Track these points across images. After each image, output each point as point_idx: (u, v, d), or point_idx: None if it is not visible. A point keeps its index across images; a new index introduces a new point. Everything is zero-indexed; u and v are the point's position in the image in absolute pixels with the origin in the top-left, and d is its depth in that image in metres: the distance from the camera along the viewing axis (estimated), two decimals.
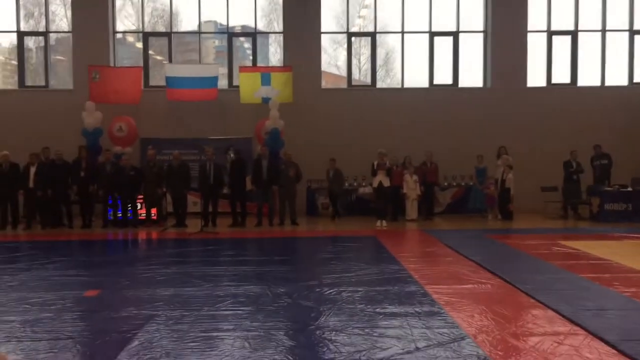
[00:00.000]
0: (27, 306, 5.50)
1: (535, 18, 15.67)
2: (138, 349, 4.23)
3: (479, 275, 6.81)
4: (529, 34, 15.62)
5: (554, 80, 15.90)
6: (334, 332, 4.58)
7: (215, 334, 4.58)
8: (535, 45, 15.76)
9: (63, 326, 4.82)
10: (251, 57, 16.03)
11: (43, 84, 15.56)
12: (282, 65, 15.37)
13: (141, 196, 12.55)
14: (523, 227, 11.88)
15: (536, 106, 15.35)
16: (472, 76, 15.91)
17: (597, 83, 15.82)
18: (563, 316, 4.94)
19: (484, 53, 15.83)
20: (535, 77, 15.81)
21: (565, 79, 15.88)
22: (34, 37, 15.89)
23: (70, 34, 15.44)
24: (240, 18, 16.05)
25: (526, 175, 13.92)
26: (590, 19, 15.79)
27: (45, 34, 15.58)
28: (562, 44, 15.88)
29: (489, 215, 13.40)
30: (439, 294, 5.86)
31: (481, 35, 15.84)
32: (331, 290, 6.06)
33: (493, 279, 6.60)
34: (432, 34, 15.75)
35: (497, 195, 13.17)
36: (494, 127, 15.04)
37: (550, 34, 15.81)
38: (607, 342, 4.20)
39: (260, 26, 16.09)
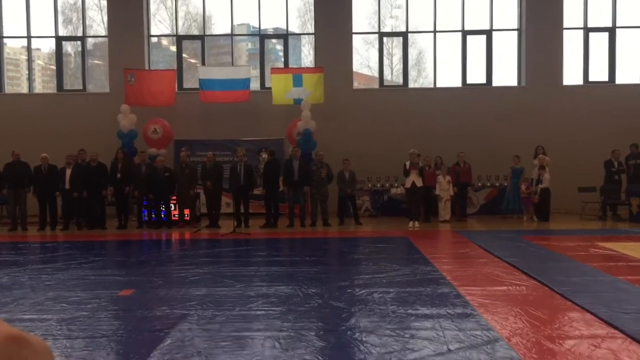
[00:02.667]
0: (64, 305, 5.61)
1: (571, 15, 15.35)
2: (170, 347, 4.27)
3: (514, 277, 6.69)
4: (564, 31, 15.31)
5: (591, 78, 15.55)
6: (364, 333, 4.55)
7: (246, 333, 4.60)
8: (572, 42, 15.45)
9: (98, 325, 4.90)
10: (283, 59, 16.11)
11: (80, 87, 15.91)
12: (314, 66, 15.39)
13: (175, 197, 12.71)
14: (560, 228, 11.65)
15: (573, 105, 15.04)
16: (506, 75, 15.68)
17: (636, 80, 15.41)
18: (601, 319, 4.81)
19: (518, 51, 15.59)
20: (572, 75, 15.49)
21: (603, 76, 15.51)
22: (71, 42, 16.27)
23: (106, 39, 15.76)
24: (272, 20, 16.16)
25: (563, 175, 13.64)
26: (628, 14, 15.39)
27: (82, 38, 15.94)
28: (599, 41, 15.52)
29: (524, 217, 13.17)
30: (472, 295, 5.77)
31: (515, 33, 15.60)
32: (362, 291, 6.03)
33: (528, 281, 6.47)
34: (465, 33, 15.58)
35: (534, 197, 12.93)
36: (530, 127, 14.78)
37: (587, 30, 15.48)
38: None
39: (294, 28, 16.18)
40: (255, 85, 15.61)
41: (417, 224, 12.12)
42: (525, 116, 14.97)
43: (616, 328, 4.54)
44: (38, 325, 4.89)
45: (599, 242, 9.28)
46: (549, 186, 12.61)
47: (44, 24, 15.84)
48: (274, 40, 16.68)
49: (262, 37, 16.02)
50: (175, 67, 15.72)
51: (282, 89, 14.62)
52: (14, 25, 15.87)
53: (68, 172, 12.34)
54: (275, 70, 15.10)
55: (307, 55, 16.57)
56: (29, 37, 15.92)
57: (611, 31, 15.45)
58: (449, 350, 4.09)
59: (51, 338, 4.54)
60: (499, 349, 4.13)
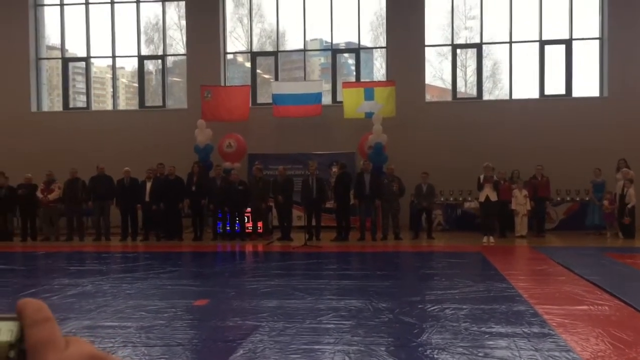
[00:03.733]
0: (142, 313, 5.84)
1: None
2: (242, 358, 4.35)
3: (596, 296, 6.37)
4: None
5: None
6: (436, 351, 4.47)
7: (316, 347, 4.62)
8: None
9: (174, 333, 5.06)
10: (355, 73, 16.18)
11: (161, 104, 16.60)
12: (385, 79, 15.37)
13: (249, 210, 12.97)
14: None
15: None
16: (587, 85, 15.07)
17: None
18: None
19: (600, 61, 14.96)
20: None
21: None
22: (153, 61, 17.03)
23: (185, 57, 16.38)
24: (344, 34, 16.29)
25: None
26: None
27: (163, 57, 16.65)
28: None
29: (607, 233, 12.55)
30: (551, 314, 5.54)
31: (597, 42, 14.99)
32: (434, 307, 5.92)
33: (611, 301, 6.15)
34: (543, 43, 15.11)
35: (616, 211, 12.31)
36: (612, 139, 14.09)
37: None
38: None
39: (367, 41, 16.24)
40: (327, 99, 15.75)
41: (492, 239, 11.79)
42: (607, 128, 14.29)
43: None
44: (119, 332, 5.10)
45: None
46: (634, 202, 11.97)
47: (127, 44, 16.67)
48: (346, 55, 16.80)
49: (334, 51, 16.17)
50: (249, 82, 16.12)
51: (353, 102, 14.67)
52: (100, 46, 16.79)
53: (148, 185, 12.87)
54: (346, 84, 15.19)
55: (379, 69, 16.57)
56: (113, 57, 16.78)
57: None
58: None
59: (130, 345, 4.73)
60: None
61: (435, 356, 4.32)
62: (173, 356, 4.43)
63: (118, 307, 6.09)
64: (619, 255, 9.59)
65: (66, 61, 16.98)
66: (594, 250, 10.27)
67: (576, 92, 15.07)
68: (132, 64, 17.33)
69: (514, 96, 15.30)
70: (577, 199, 13.62)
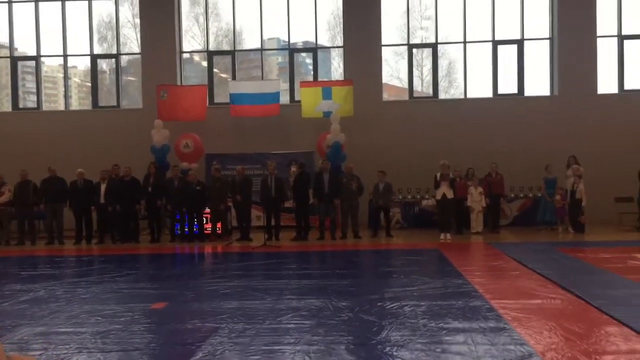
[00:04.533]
0: (98, 318, 5.71)
1: (605, 22, 15.09)
2: None
3: (549, 290, 6.56)
4: (598, 39, 15.06)
5: (627, 87, 15.24)
6: (395, 347, 4.51)
7: (276, 347, 4.60)
8: (606, 50, 15.18)
9: (131, 338, 4.97)
10: (312, 72, 16.20)
11: (115, 104, 16.26)
12: (343, 79, 15.43)
13: (207, 211, 12.84)
14: (596, 239, 11.38)
15: (607, 114, 14.74)
16: (539, 84, 15.48)
17: None
18: (639, 333, 4.68)
19: (550, 60, 15.38)
20: (607, 84, 15.21)
21: (638, 84, 15.18)
22: (106, 60, 16.67)
23: (140, 56, 16.09)
24: (302, 34, 16.28)
25: (598, 185, 13.31)
26: None
27: (116, 56, 16.32)
28: (634, 48, 15.21)
29: (559, 228, 12.92)
30: (506, 309, 5.67)
31: (547, 42, 15.40)
32: (393, 305, 5.98)
33: (563, 294, 6.33)
34: (496, 43, 15.45)
35: (567, 207, 12.69)
36: (563, 136, 14.53)
37: (622, 38, 15.20)
38: None
39: (323, 41, 16.27)
40: (285, 98, 15.73)
41: (448, 236, 11.99)
42: (558, 125, 14.72)
43: None
44: (73, 338, 4.98)
45: (636, 254, 9.05)
46: (584, 197, 12.35)
47: (79, 42, 16.27)
48: (303, 54, 16.80)
49: (292, 50, 16.16)
50: (206, 82, 15.96)
51: (311, 102, 14.70)
52: (51, 44, 16.33)
53: (103, 186, 12.61)
54: (304, 83, 15.21)
55: (336, 69, 16.63)
56: (65, 56, 16.35)
57: None
58: None
59: (86, 351, 4.62)
60: None
61: (395, 353, 4.37)
62: None
63: (72, 313, 5.95)
64: (570, 250, 9.89)
65: (15, 60, 16.48)
66: (546, 245, 10.55)
67: (528, 91, 15.47)
68: (84, 63, 16.93)
69: (469, 95, 15.60)
70: (530, 195, 13.98)
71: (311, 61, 16.37)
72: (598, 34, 15.06)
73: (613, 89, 15.25)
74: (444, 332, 4.94)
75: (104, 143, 15.14)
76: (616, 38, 15.22)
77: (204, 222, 12.84)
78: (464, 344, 4.55)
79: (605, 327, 4.97)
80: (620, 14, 15.16)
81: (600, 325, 5.07)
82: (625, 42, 15.20)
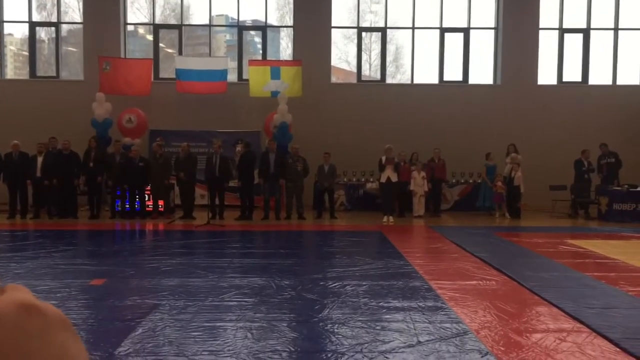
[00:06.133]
0: (33, 294, 5.53)
1: (547, 15, 15.57)
2: (141, 337, 4.26)
3: (484, 272, 6.79)
4: (540, 32, 15.52)
5: (565, 79, 15.81)
6: (336, 325, 4.59)
7: (218, 324, 4.60)
8: (547, 43, 15.67)
9: (68, 313, 4.82)
10: (261, 51, 16.04)
11: (54, 74, 15.64)
12: (292, 59, 15.35)
13: (149, 187, 12.60)
14: (531, 225, 11.84)
15: (546, 104, 15.27)
16: (483, 73, 15.85)
17: (609, 82, 15.72)
18: (567, 313, 4.93)
19: (494, 50, 15.76)
20: (546, 75, 15.73)
21: (577, 77, 15.78)
22: (45, 28, 15.97)
23: (81, 25, 15.50)
24: (251, 12, 16.06)
25: (535, 173, 13.83)
26: (602, 17, 15.66)
27: (56, 24, 15.66)
28: (574, 42, 15.77)
29: (497, 213, 13.36)
30: (443, 289, 5.85)
31: (492, 32, 15.77)
32: (335, 284, 6.07)
33: (498, 276, 6.58)
34: (443, 30, 15.69)
35: (505, 193, 13.12)
36: (504, 125, 14.98)
37: (562, 31, 15.72)
38: (610, 340, 4.19)
39: (273, 20, 16.10)
40: (232, 77, 15.52)
41: (391, 219, 12.20)
42: (500, 114, 15.16)
43: (582, 322, 4.66)
44: None
45: (568, 240, 9.47)
46: (521, 184, 12.80)
47: (17, 9, 15.52)
48: (252, 32, 16.59)
49: (241, 28, 15.93)
50: (151, 56, 15.55)
51: (259, 81, 14.57)
52: None
53: (39, 160, 12.15)
54: (253, 62, 15.03)
55: (285, 48, 16.51)
56: (0, 22, 15.57)
57: (586, 32, 15.71)
58: (419, 342, 4.15)
59: None
60: (467, 341, 4.20)
61: (336, 330, 4.44)
62: None
63: None
64: (506, 234, 10.25)
65: None
66: (484, 230, 10.89)
67: (472, 79, 15.81)
68: (22, 31, 16.16)
69: (416, 81, 15.81)
70: (471, 181, 14.37)
71: (260, 40, 16.19)
72: (540, 26, 15.52)
73: (552, 80, 15.78)
74: (384, 310, 5.05)
75: (41, 115, 14.57)
76: (557, 31, 15.72)
77: (146, 199, 12.60)
78: (402, 322, 4.67)
79: (536, 307, 5.20)
80: (562, 7, 15.64)
81: (531, 305, 5.30)
82: (566, 35, 15.72)
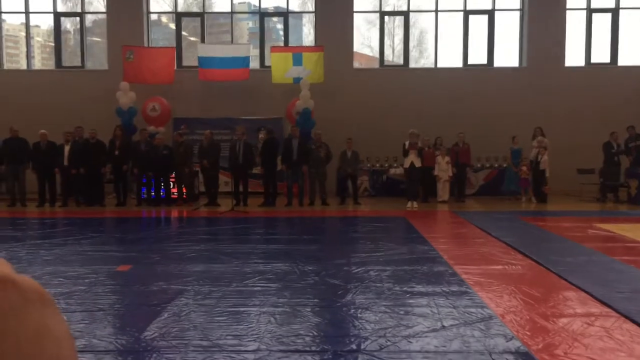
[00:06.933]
0: (61, 279, 5.64)
1: None
2: (167, 321, 4.30)
3: (510, 257, 6.71)
4: (567, 12, 15.18)
5: (594, 60, 15.46)
6: (360, 310, 4.58)
7: (242, 309, 4.63)
8: (574, 23, 15.32)
9: (95, 299, 4.93)
10: (283, 38, 15.99)
11: (79, 64, 15.82)
12: (314, 45, 15.28)
13: (173, 175, 12.70)
14: (558, 209, 11.66)
15: (574, 86, 14.95)
16: (508, 55, 15.58)
17: (638, 62, 15.32)
18: (595, 298, 4.84)
19: (520, 32, 15.48)
20: (574, 57, 15.40)
21: (605, 58, 15.42)
22: (70, 19, 16.14)
23: (105, 15, 15.62)
24: None
25: (562, 157, 13.59)
26: None
27: (81, 14, 15.81)
28: (602, 22, 15.39)
29: (522, 198, 13.18)
30: (468, 274, 5.80)
31: (517, 13, 15.47)
32: (359, 269, 6.05)
33: (524, 261, 6.50)
34: (467, 12, 15.45)
35: (531, 178, 12.93)
36: (530, 108, 14.73)
37: (590, 11, 15.35)
38: (639, 325, 4.10)
39: (294, 6, 16.02)
40: (255, 64, 15.51)
41: (415, 204, 12.13)
42: (526, 97, 14.90)
43: (610, 307, 4.57)
44: None
45: (596, 224, 9.30)
46: (547, 168, 12.60)
47: (42, 0, 15.70)
48: (274, 19, 16.54)
49: (262, 15, 15.89)
50: (174, 44, 15.61)
51: (281, 67, 14.54)
52: (12, 1, 15.72)
53: (67, 148, 12.33)
54: (275, 48, 15.00)
55: (307, 35, 16.44)
56: (27, 13, 15.78)
57: (614, 12, 15.31)
58: (443, 327, 4.12)
59: None
60: (492, 326, 4.16)
61: (359, 315, 4.43)
62: (94, 321, 4.32)
63: (34, 274, 5.85)
64: (532, 219, 10.12)
65: None
66: (509, 214, 10.76)
67: (497, 62, 15.56)
68: (47, 22, 16.35)
69: (439, 65, 15.62)
70: (496, 165, 14.19)
71: (282, 26, 16.15)
72: (567, 7, 15.17)
73: (580, 62, 15.45)
74: (408, 295, 5.03)
75: (67, 104, 14.76)
76: (585, 11, 15.36)
77: (171, 186, 12.71)
78: (426, 307, 4.64)
79: (563, 292, 5.13)
80: None
81: (558, 290, 5.23)
82: (594, 15, 15.35)
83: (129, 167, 12.50)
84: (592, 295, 4.91)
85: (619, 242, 7.76)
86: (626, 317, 4.30)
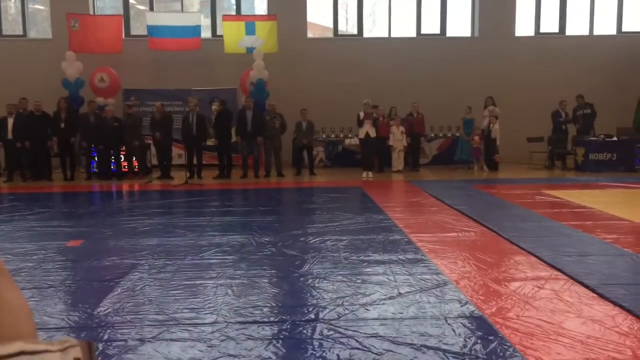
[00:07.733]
0: (8, 256, 5.45)
1: None
2: (120, 296, 4.21)
3: (463, 224, 6.84)
4: None
5: (542, 30, 15.72)
6: (317, 280, 4.59)
7: (198, 282, 4.57)
8: None
9: (45, 275, 4.79)
10: (235, 7, 15.63)
11: (21, 33, 15.12)
12: (267, 14, 15.01)
13: (124, 148, 12.39)
14: (508, 177, 11.92)
15: (524, 56, 15.22)
16: (460, 25, 15.68)
17: (586, 32, 15.67)
18: (544, 262, 4.98)
19: (472, 1, 15.56)
20: (524, 27, 15.62)
21: (554, 28, 15.71)
22: None
23: None
24: None
25: (512, 125, 13.89)
26: None
27: None
28: None
29: (475, 166, 13.43)
30: (423, 242, 5.88)
31: None
32: (316, 240, 6.06)
33: (477, 227, 6.63)
34: None
35: (482, 147, 13.17)
36: (482, 78, 14.91)
37: None
38: (586, 286, 4.25)
39: None
40: (206, 33, 15.15)
41: (370, 174, 12.20)
42: (477, 67, 15.08)
43: (559, 270, 4.71)
44: None
45: (545, 190, 9.57)
46: (498, 137, 12.85)
47: None
48: None
49: None
50: (121, 12, 15.07)
51: (234, 37, 14.25)
52: None
53: (10, 121, 11.84)
54: (227, 17, 14.67)
55: (260, 3, 16.11)
56: None
57: None
58: (400, 294, 4.17)
59: None
60: (447, 291, 4.23)
61: (317, 285, 4.44)
62: (44, 298, 4.19)
63: None
64: (484, 187, 10.33)
65: None
66: (462, 183, 10.95)
67: (450, 32, 15.65)
68: None
69: (393, 34, 15.60)
70: (449, 135, 14.37)
71: None
72: None
73: (530, 31, 15.69)
74: (365, 264, 5.06)
75: (10, 75, 14.13)
76: None
77: (122, 159, 12.40)
78: (383, 275, 4.69)
79: (515, 257, 5.26)
80: None
81: (510, 255, 5.36)
82: None
83: (77, 140, 12.10)
84: (541, 260, 5.05)
85: (566, 207, 8.00)
86: (574, 279, 4.44)
